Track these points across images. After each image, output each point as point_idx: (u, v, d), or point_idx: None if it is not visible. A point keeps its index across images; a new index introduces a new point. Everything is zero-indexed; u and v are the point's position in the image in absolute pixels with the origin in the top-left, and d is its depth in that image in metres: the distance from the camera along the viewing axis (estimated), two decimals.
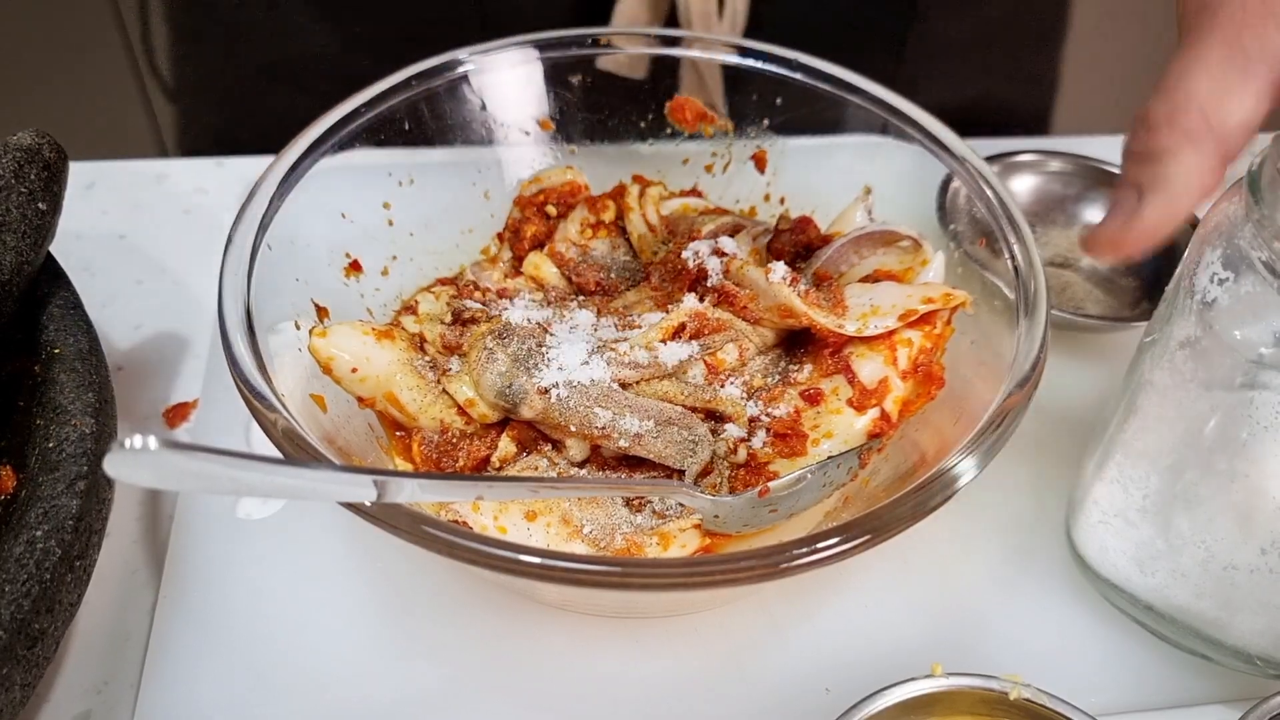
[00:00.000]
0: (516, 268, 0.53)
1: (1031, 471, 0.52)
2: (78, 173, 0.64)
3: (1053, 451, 0.53)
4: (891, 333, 0.45)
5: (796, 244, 0.51)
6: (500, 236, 0.55)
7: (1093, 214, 0.64)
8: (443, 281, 0.52)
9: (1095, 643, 0.46)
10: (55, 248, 0.49)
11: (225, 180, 0.65)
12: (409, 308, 0.50)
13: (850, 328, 0.46)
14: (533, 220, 0.53)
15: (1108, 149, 0.66)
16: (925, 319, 0.46)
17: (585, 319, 0.47)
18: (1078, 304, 0.61)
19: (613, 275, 0.51)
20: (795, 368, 0.48)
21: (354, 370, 0.44)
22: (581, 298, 0.50)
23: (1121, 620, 0.47)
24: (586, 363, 0.43)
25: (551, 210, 0.53)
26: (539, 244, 0.52)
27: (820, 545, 0.35)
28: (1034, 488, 0.52)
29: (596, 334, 0.46)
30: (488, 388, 0.43)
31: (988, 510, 0.50)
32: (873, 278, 0.49)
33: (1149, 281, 0.61)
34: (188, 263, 0.60)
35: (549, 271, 0.51)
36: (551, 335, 0.45)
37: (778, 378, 0.47)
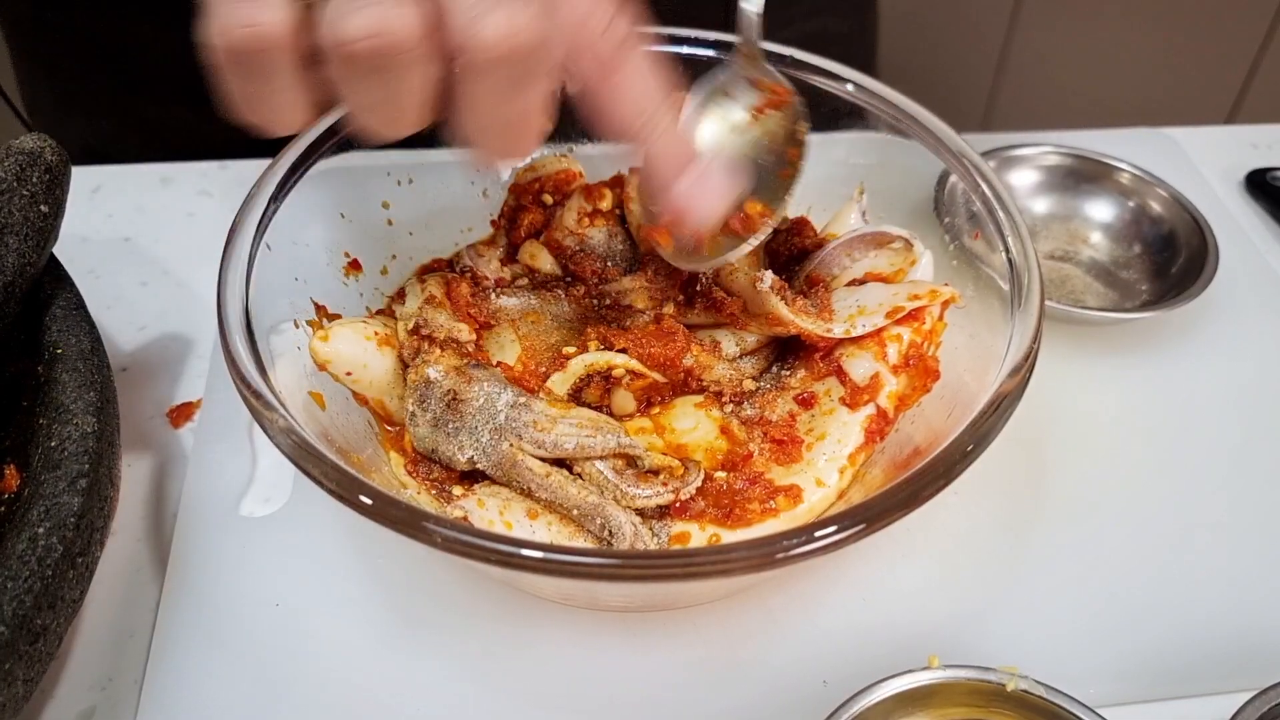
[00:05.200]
0: (511, 254, 0.53)
1: (1031, 462, 0.52)
2: (83, 177, 0.65)
3: (1053, 442, 0.53)
4: (880, 330, 0.45)
5: (792, 246, 0.51)
6: (495, 223, 0.55)
7: (1092, 207, 0.64)
8: (438, 263, 0.53)
9: (1093, 634, 0.46)
10: (61, 251, 0.49)
11: (228, 183, 0.66)
12: (403, 293, 0.50)
13: (838, 330, 0.46)
14: (529, 209, 0.53)
15: (1105, 142, 0.66)
16: (914, 315, 0.46)
17: (493, 391, 0.44)
18: (1077, 297, 0.61)
19: (609, 265, 0.51)
20: (787, 373, 0.48)
21: (348, 374, 0.45)
22: (570, 278, 0.51)
23: (1120, 611, 0.47)
24: (496, 440, 0.43)
25: (548, 198, 0.54)
26: (535, 232, 0.53)
27: (816, 534, 0.35)
28: (1034, 478, 0.52)
29: (508, 399, 0.43)
30: (417, 444, 0.44)
31: (986, 501, 0.50)
32: (861, 281, 0.49)
33: (1149, 274, 0.61)
34: (191, 264, 0.61)
35: (546, 261, 0.51)
36: (467, 386, 0.43)
37: (771, 384, 0.48)
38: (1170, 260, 0.61)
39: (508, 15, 0.33)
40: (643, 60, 0.38)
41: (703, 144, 0.46)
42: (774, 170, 0.45)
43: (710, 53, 0.53)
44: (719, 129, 0.47)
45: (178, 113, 0.71)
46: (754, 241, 0.43)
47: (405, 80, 0.34)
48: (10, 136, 0.48)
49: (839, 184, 0.54)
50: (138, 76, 0.71)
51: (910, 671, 0.39)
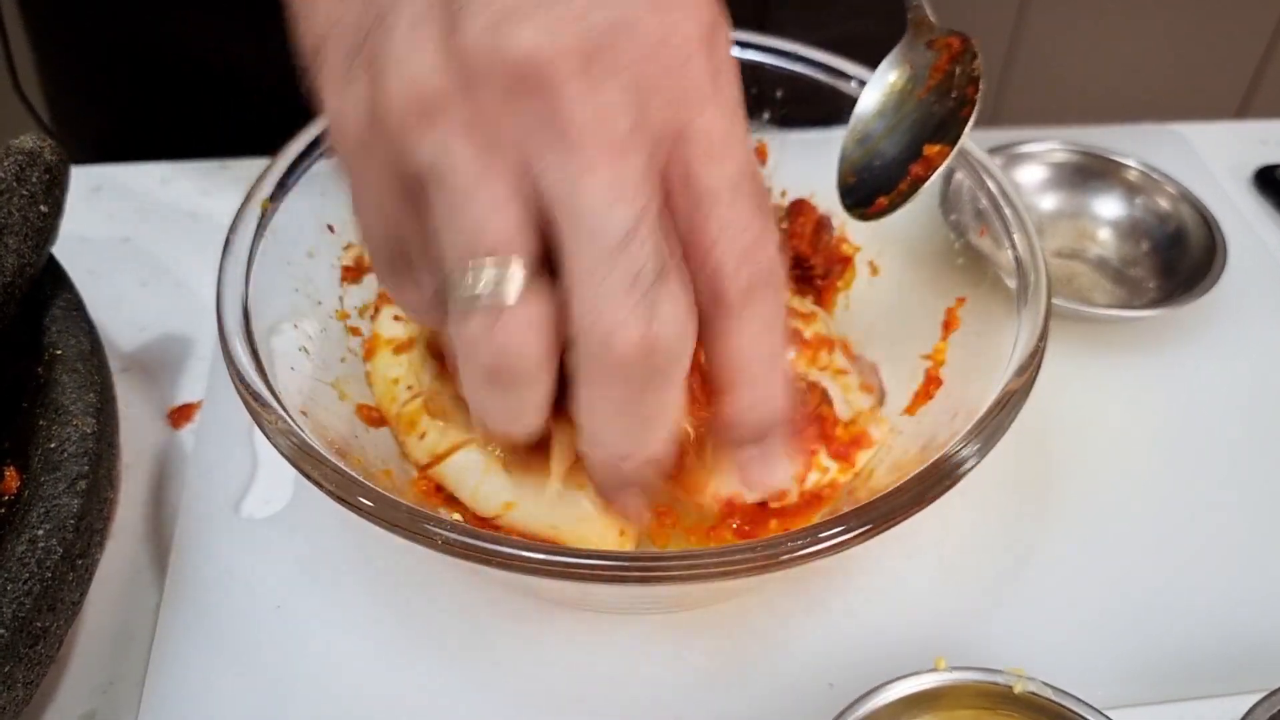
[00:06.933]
0: None
1: (1038, 462, 0.52)
2: (83, 176, 0.65)
3: (1060, 442, 0.52)
4: (813, 452, 0.43)
5: (798, 245, 0.51)
6: None
7: (1100, 204, 0.64)
8: None
9: (1101, 635, 0.46)
10: (61, 251, 0.49)
11: (230, 182, 0.66)
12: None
13: None
14: None
15: (1112, 138, 0.66)
16: (845, 455, 0.44)
17: None
18: (1084, 294, 0.60)
19: None
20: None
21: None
22: None
23: (1128, 612, 0.46)
24: None
25: None
26: None
27: (821, 535, 0.35)
28: (1040, 479, 0.51)
29: None
30: None
31: (992, 501, 0.50)
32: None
33: (1158, 271, 0.61)
34: (192, 265, 0.61)
35: None
36: None
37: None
38: (1179, 257, 0.60)
39: (643, 324, 0.30)
40: (774, 307, 0.33)
41: (887, 117, 0.47)
42: (954, 111, 0.45)
43: (757, 56, 0.53)
44: (903, 99, 0.47)
45: (210, 112, 0.71)
46: (935, 178, 0.43)
47: (526, 395, 0.32)
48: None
49: None
50: (166, 76, 0.71)
51: (917, 674, 0.39)
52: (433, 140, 0.30)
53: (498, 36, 0.29)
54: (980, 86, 0.45)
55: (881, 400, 0.48)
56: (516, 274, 0.30)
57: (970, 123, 0.44)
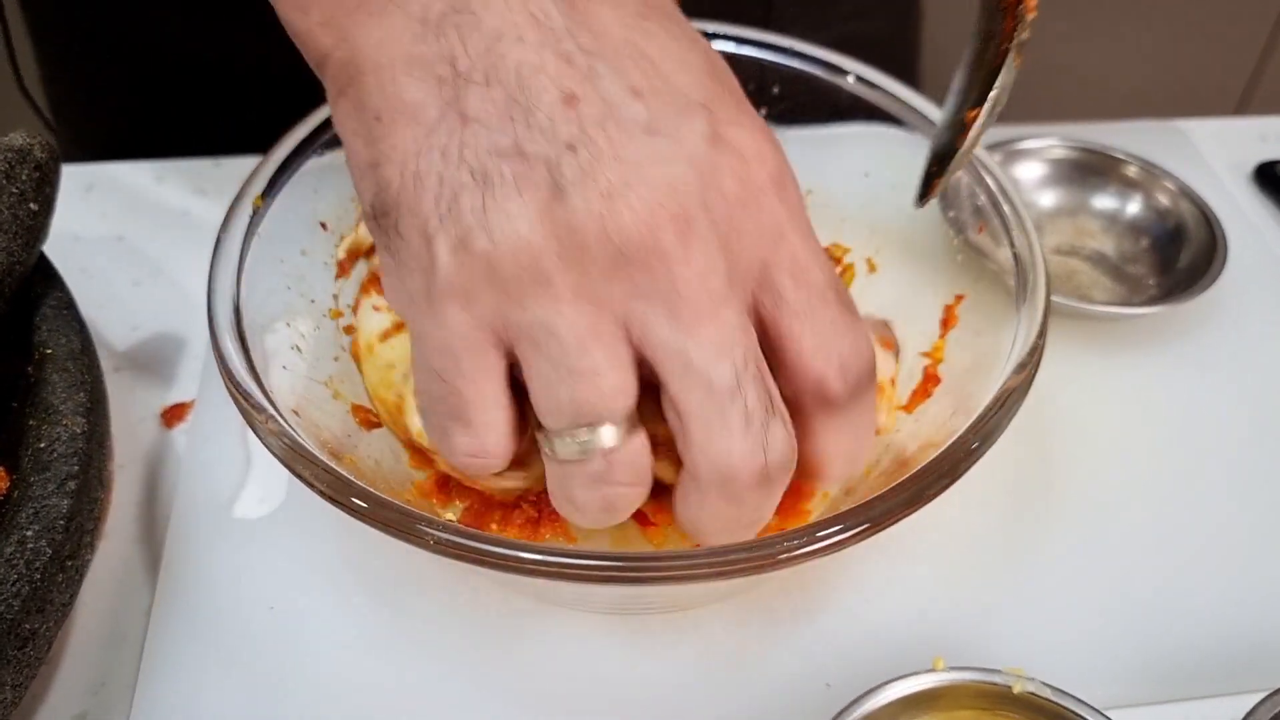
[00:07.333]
0: None
1: (1037, 460, 0.51)
2: (76, 175, 0.64)
3: (1059, 440, 0.52)
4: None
5: None
6: None
7: (1099, 200, 0.63)
8: None
9: (1100, 635, 0.45)
10: (54, 250, 0.49)
11: (223, 181, 0.65)
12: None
13: None
14: None
15: (1112, 134, 0.65)
16: None
17: None
18: (1084, 292, 0.60)
19: None
20: None
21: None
22: None
23: (1128, 611, 0.46)
24: None
25: None
26: None
27: (818, 535, 0.35)
28: (1040, 477, 0.51)
29: None
30: None
31: (991, 500, 0.50)
32: None
33: (1158, 268, 0.60)
34: (185, 263, 0.60)
35: None
36: None
37: None
38: (1179, 254, 0.60)
39: (759, 458, 0.33)
40: (872, 397, 0.36)
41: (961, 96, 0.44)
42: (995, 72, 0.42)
43: (753, 52, 0.52)
44: (974, 72, 0.44)
45: (213, 110, 0.71)
46: (972, 143, 0.43)
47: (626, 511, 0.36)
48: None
49: (840, 178, 0.53)
50: (168, 74, 0.70)
51: (915, 674, 0.38)
52: (544, 303, 0.31)
53: (604, 212, 0.31)
54: (1018, 33, 0.40)
55: (898, 354, 0.48)
56: (621, 429, 0.33)
57: (1003, 73, 0.41)
